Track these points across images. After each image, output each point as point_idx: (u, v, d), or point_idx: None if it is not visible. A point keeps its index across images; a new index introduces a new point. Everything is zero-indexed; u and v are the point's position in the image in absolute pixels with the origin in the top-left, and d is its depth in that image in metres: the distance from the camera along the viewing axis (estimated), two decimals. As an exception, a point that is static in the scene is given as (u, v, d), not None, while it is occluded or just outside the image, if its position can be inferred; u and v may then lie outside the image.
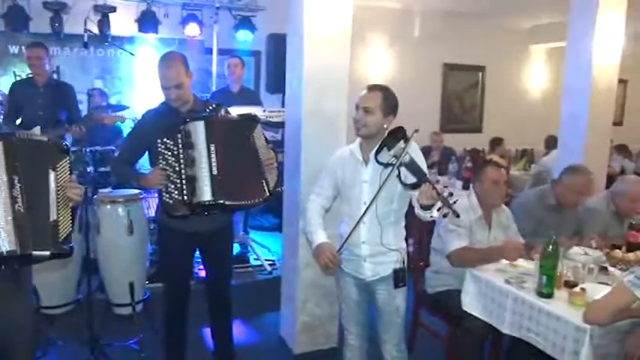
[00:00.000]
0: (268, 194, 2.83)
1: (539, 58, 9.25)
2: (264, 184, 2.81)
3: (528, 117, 8.95)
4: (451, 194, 2.30)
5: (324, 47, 3.36)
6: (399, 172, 2.37)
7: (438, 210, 2.30)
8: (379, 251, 2.61)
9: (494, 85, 8.82)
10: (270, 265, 4.85)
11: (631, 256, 3.35)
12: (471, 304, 3.06)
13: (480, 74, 8.75)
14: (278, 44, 5.58)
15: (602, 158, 4.99)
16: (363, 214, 2.50)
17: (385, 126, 2.56)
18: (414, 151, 2.43)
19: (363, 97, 2.58)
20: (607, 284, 2.85)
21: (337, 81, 3.44)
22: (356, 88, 3.53)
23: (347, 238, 2.57)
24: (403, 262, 2.64)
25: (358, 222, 2.52)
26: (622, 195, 3.82)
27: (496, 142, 7.87)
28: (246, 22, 6.25)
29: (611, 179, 4.85)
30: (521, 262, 3.13)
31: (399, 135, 2.41)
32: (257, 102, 5.27)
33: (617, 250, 3.43)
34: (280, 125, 4.43)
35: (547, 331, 2.61)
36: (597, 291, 2.69)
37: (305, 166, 3.43)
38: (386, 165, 2.40)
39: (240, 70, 5.28)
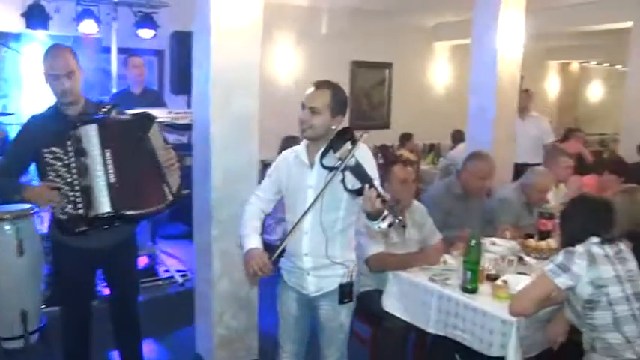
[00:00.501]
0: (172, 199, 2.61)
1: (443, 55, 9.50)
2: (166, 188, 2.60)
3: (434, 112, 9.17)
4: (398, 202, 2.13)
5: (233, 42, 3.15)
6: (344, 177, 2.15)
7: (383, 219, 2.08)
8: (323, 264, 2.39)
9: (401, 81, 8.94)
10: (181, 276, 4.58)
11: (543, 244, 3.44)
12: (393, 305, 2.99)
13: (387, 71, 8.84)
14: (183, 42, 5.28)
15: (509, 150, 5.13)
16: (298, 221, 2.27)
17: (334, 127, 2.34)
18: (362, 155, 2.23)
19: (310, 96, 2.34)
20: (526, 274, 2.90)
21: (247, 79, 3.24)
22: (264, 87, 3.38)
23: (282, 246, 2.33)
24: (351, 276, 2.42)
25: (292, 229, 2.30)
26: (531, 186, 3.92)
27: (406, 138, 8.00)
28: (147, 20, 5.88)
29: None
30: (443, 257, 3.11)
31: (346, 136, 2.19)
32: (161, 103, 5.00)
33: (531, 239, 3.51)
34: (187, 127, 4.18)
35: (474, 327, 2.59)
36: (518, 281, 2.73)
37: (215, 172, 3.21)
38: (331, 169, 2.19)
39: (143, 70, 4.95)
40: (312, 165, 2.37)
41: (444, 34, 9.10)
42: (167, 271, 4.64)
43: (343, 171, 2.13)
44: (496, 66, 4.67)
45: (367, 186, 2.08)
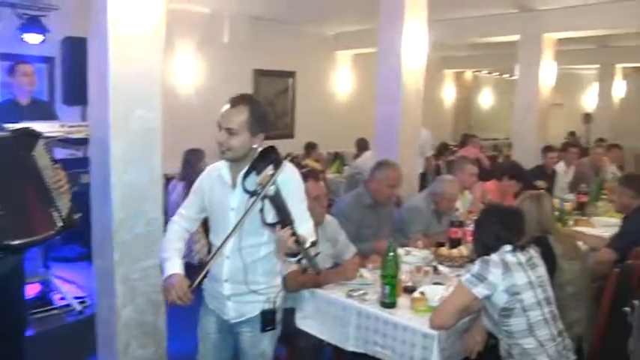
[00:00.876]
0: (62, 225, 2.37)
1: (345, 64, 9.60)
2: (55, 213, 2.36)
3: (338, 120, 9.25)
4: (314, 244, 1.98)
5: (133, 49, 2.91)
6: (263, 206, 2.00)
7: (298, 261, 1.95)
8: (243, 291, 2.24)
9: (304, 90, 8.93)
10: (79, 303, 4.18)
11: (455, 252, 3.48)
12: (308, 324, 2.89)
13: (291, 80, 8.79)
14: (76, 49, 4.89)
15: (415, 158, 5.21)
16: (221, 246, 2.11)
17: (255, 145, 2.19)
18: (287, 178, 2.10)
19: (226, 115, 2.16)
20: (441, 284, 2.91)
21: (149, 89, 3.01)
22: (164, 97, 3.16)
23: (203, 274, 2.17)
24: (274, 303, 2.27)
25: (214, 254, 2.15)
26: (440, 194, 3.99)
27: (311, 147, 7.98)
28: (34, 23, 5.44)
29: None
30: (359, 271, 3.06)
31: (270, 157, 2.06)
32: (52, 115, 4.57)
33: (443, 248, 3.54)
34: (82, 142, 3.85)
35: (394, 343, 2.55)
36: (435, 292, 2.73)
37: (116, 189, 2.95)
38: (252, 194, 2.03)
39: (34, 79, 4.53)
40: (234, 185, 2.22)
41: (346, 43, 9.21)
42: (63, 298, 4.22)
43: (263, 199, 1.99)
44: (401, 75, 4.72)
45: (280, 226, 1.95)
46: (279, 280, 2.37)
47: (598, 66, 11.03)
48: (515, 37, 7.18)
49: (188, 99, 7.12)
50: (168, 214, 3.60)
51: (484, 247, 2.50)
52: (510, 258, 2.40)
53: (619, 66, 10.91)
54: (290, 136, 8.72)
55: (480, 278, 2.36)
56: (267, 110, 2.29)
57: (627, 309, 2.56)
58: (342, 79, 9.60)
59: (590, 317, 2.94)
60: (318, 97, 9.20)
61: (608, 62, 10.72)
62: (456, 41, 8.64)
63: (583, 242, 3.74)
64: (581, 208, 5.11)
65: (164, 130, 3.12)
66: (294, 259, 1.98)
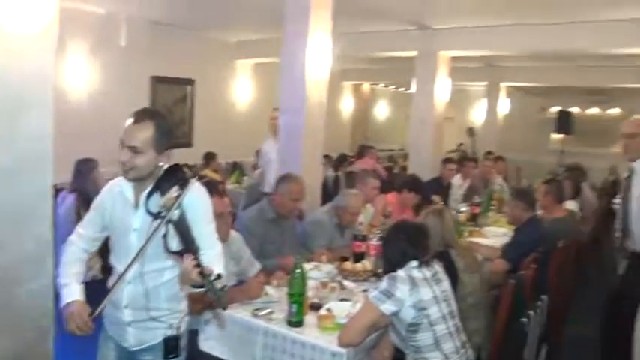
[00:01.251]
0: None
1: (245, 73, 9.48)
2: None
3: (237, 130, 9.10)
4: (219, 276, 1.82)
5: (21, 49, 2.65)
6: (167, 231, 1.85)
7: (205, 293, 1.82)
8: (145, 317, 2.08)
9: (203, 98, 8.70)
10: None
11: (359, 266, 3.50)
12: (212, 346, 2.76)
13: (189, 88, 8.54)
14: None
15: (317, 171, 5.21)
16: (124, 272, 1.95)
17: (161, 163, 2.02)
18: (193, 200, 1.96)
19: (129, 132, 1.98)
20: (348, 300, 2.90)
21: (40, 94, 2.75)
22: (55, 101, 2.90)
23: (105, 302, 2.00)
24: (178, 329, 2.12)
25: (117, 280, 1.98)
26: (344, 208, 4.00)
27: (210, 157, 7.77)
28: None
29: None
30: (264, 288, 2.97)
31: (175, 177, 1.92)
32: None
33: (347, 262, 3.54)
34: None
35: (303, 362, 2.48)
36: (342, 309, 2.71)
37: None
38: (156, 216, 1.87)
39: None
40: (137, 205, 2.05)
41: (247, 51, 9.10)
42: None
43: (167, 223, 1.85)
44: (305, 87, 4.70)
45: (185, 255, 1.82)
46: (184, 305, 2.22)
47: (486, 83, 11.71)
48: (414, 53, 7.43)
49: (79, 104, 6.67)
50: (56, 228, 3.33)
51: (390, 263, 2.53)
52: (417, 274, 2.43)
53: (503, 84, 11.66)
54: (188, 145, 8.43)
55: (388, 294, 2.37)
56: (170, 124, 2.13)
57: (525, 320, 2.68)
58: (242, 88, 9.46)
59: (488, 326, 3.05)
60: (217, 106, 9.00)
61: (495, 80, 11.42)
62: (358, 54, 8.80)
63: (478, 253, 3.90)
64: (474, 219, 5.36)
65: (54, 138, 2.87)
66: (200, 290, 1.85)
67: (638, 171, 3.39)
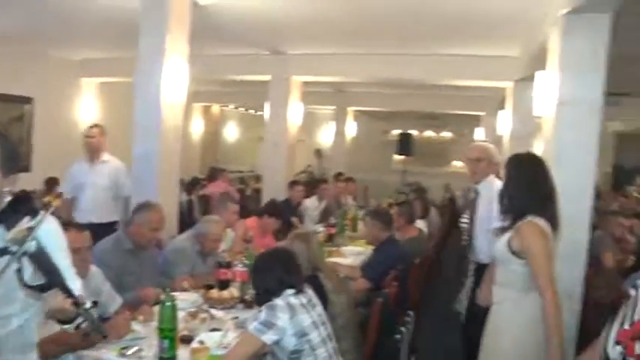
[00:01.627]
0: None
1: (90, 92, 8.94)
2: None
3: (80, 152, 8.47)
4: (95, 304, 1.68)
5: None
6: (21, 266, 1.62)
7: (77, 327, 1.65)
8: None
9: (43, 118, 8.05)
10: None
11: (226, 293, 3.43)
12: None
13: (27, 106, 7.85)
14: None
15: (174, 195, 5.06)
16: None
17: (7, 189, 1.74)
18: (46, 235, 1.69)
19: None
20: (219, 329, 2.84)
21: None
22: None
23: None
24: None
25: None
26: (205, 235, 3.93)
27: (52, 182, 7.16)
28: None
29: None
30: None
31: (24, 208, 1.70)
32: None
33: (213, 290, 3.46)
34: None
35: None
36: (215, 340, 2.66)
37: None
38: (2, 252, 1.62)
39: None
40: None
41: (92, 70, 8.62)
42: None
43: (20, 257, 1.62)
44: (160, 111, 4.56)
45: (54, 284, 1.64)
46: (35, 356, 1.95)
47: (334, 107, 12.27)
48: (267, 77, 7.56)
49: None
50: None
51: (266, 292, 2.51)
52: (294, 301, 2.45)
53: (350, 109, 12.31)
54: (26, 169, 7.65)
55: (269, 325, 2.37)
56: (15, 145, 1.87)
57: (398, 336, 2.81)
58: (86, 107, 8.90)
59: (359, 345, 3.15)
60: (58, 126, 8.36)
61: (342, 105, 12.04)
62: (211, 77, 8.74)
63: (340, 272, 4.03)
64: (330, 239, 5.54)
65: None
66: (70, 326, 1.67)
67: (483, 193, 3.60)
